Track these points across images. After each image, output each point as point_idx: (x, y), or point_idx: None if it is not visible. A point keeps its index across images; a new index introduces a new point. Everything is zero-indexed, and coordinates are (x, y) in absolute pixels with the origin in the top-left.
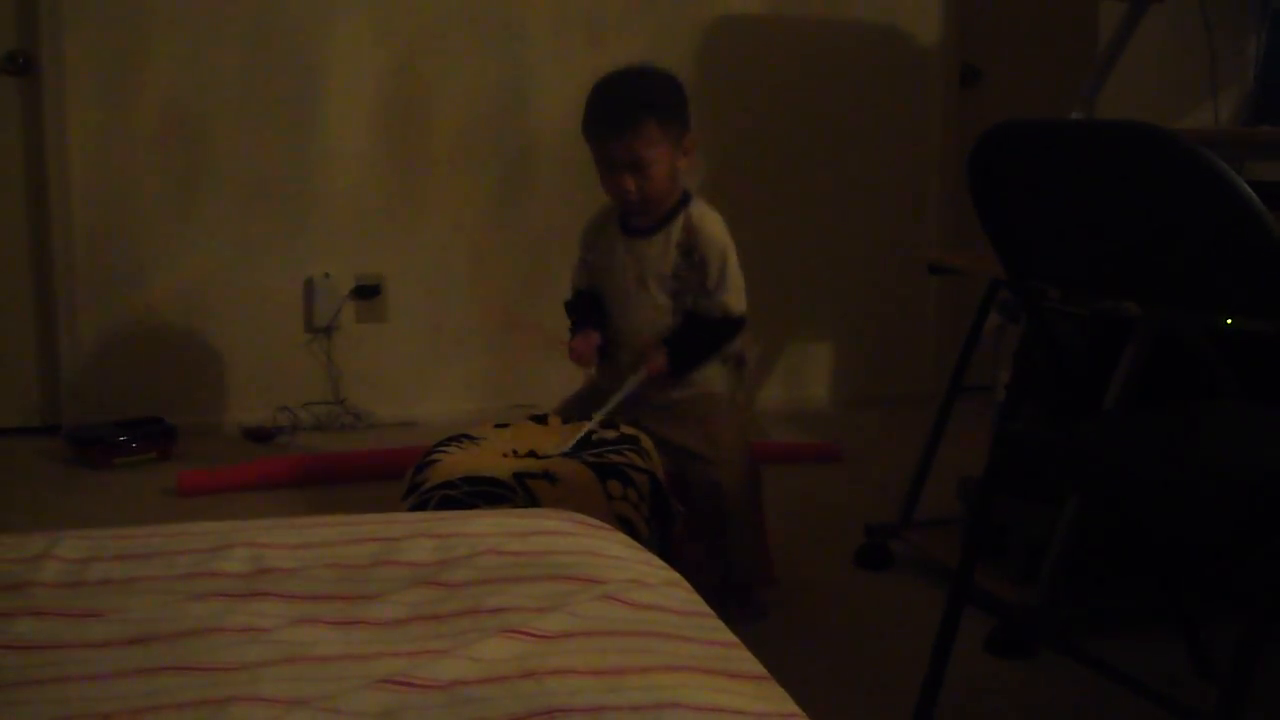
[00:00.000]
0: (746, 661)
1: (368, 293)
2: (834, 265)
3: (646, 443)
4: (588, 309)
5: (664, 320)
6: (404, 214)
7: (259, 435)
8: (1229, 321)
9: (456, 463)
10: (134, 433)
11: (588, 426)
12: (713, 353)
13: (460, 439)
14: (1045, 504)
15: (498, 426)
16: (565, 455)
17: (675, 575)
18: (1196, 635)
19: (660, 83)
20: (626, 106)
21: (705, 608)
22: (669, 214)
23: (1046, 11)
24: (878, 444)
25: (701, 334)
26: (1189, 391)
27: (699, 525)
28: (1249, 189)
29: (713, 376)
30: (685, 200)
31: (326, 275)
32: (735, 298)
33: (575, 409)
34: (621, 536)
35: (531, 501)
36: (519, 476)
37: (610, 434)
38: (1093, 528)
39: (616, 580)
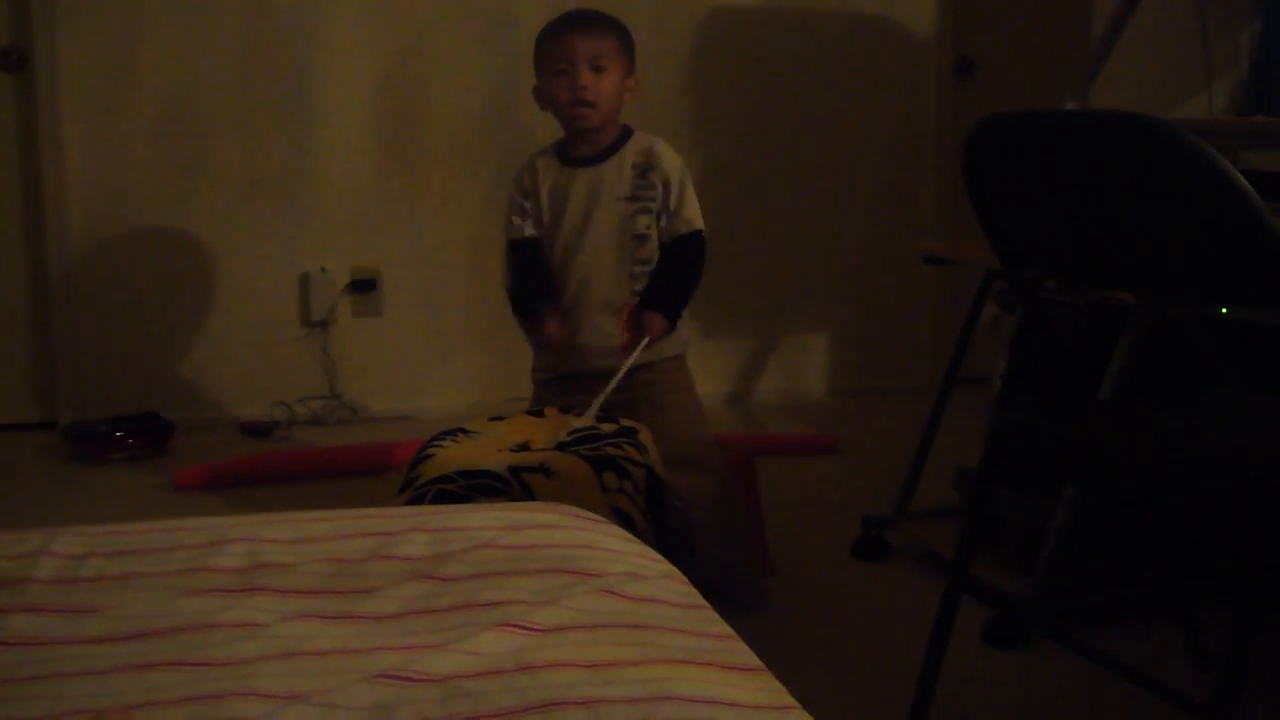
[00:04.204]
0: (742, 654)
1: (364, 287)
2: (829, 256)
3: (645, 436)
4: (533, 276)
5: (618, 244)
6: (400, 208)
7: (255, 430)
8: (1224, 311)
9: (452, 457)
10: (130, 428)
11: (589, 415)
12: (694, 281)
13: (456, 433)
14: (1041, 494)
15: (494, 420)
16: (564, 447)
17: (671, 568)
18: (1192, 624)
19: (620, 21)
20: (598, 15)
21: (701, 600)
22: (616, 142)
23: (1041, 2)
24: (874, 435)
25: (675, 269)
26: (1185, 381)
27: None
28: (1243, 179)
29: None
30: (629, 131)
31: (322, 269)
32: (698, 214)
33: (554, 396)
34: (617, 529)
35: (527, 495)
36: (515, 470)
37: (608, 426)
38: (1089, 518)
39: (612, 573)
